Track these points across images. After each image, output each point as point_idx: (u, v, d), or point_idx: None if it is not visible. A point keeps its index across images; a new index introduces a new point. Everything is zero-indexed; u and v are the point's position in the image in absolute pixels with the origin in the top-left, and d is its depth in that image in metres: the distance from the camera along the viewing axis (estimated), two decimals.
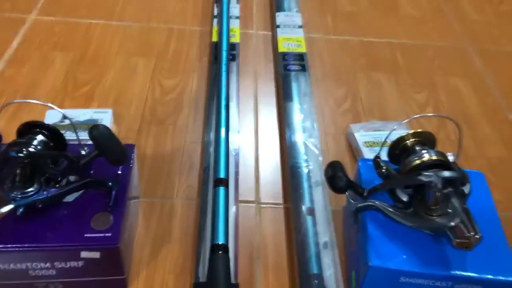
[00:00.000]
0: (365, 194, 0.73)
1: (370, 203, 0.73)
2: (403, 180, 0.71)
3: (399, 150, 0.75)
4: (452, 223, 0.65)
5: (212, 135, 0.97)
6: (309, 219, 0.82)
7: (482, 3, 1.58)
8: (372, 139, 1.00)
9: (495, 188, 0.98)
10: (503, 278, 0.67)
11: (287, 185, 0.92)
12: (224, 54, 1.13)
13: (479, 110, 1.17)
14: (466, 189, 0.70)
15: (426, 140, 0.75)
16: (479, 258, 0.68)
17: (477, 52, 1.36)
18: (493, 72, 1.30)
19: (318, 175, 0.90)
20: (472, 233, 0.64)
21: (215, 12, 1.33)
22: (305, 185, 0.88)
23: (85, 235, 0.66)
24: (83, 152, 0.71)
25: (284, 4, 1.39)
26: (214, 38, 1.22)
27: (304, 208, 0.84)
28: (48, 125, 0.70)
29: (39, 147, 0.67)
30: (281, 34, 1.28)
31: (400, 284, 0.69)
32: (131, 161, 0.78)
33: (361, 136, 1.01)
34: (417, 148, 0.73)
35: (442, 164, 0.70)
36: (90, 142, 0.70)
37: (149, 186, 0.91)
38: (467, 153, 1.06)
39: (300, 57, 1.20)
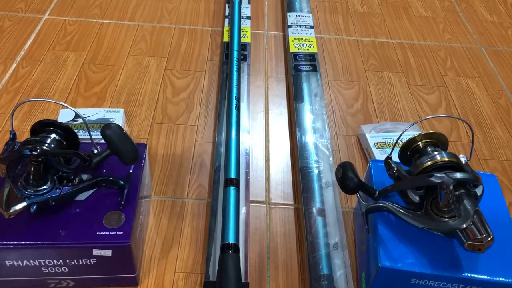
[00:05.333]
0: (376, 195, 0.73)
1: (381, 204, 0.73)
2: (415, 181, 0.70)
3: (410, 151, 0.75)
4: (464, 225, 0.64)
5: (223, 135, 0.97)
6: (319, 219, 0.82)
7: (495, 4, 1.57)
8: (383, 140, 1.00)
9: (508, 191, 0.97)
10: None
11: (298, 185, 0.92)
12: (235, 54, 1.13)
13: (491, 112, 1.16)
14: (478, 191, 0.69)
15: (438, 141, 0.75)
16: (491, 261, 0.68)
17: (489, 52, 1.35)
18: (506, 72, 1.29)
19: (329, 176, 0.90)
20: (485, 236, 0.63)
21: (227, 12, 1.33)
22: (316, 185, 0.88)
23: (97, 233, 0.67)
24: (95, 151, 0.71)
25: (296, 5, 1.39)
26: (226, 38, 1.23)
27: (314, 208, 0.84)
28: (62, 123, 0.71)
29: (52, 145, 0.68)
30: (292, 34, 1.28)
31: (410, 286, 0.69)
32: (143, 160, 0.79)
33: (372, 137, 1.01)
34: (429, 149, 0.73)
35: (454, 165, 0.70)
36: (102, 141, 0.71)
37: (160, 185, 0.92)
38: (479, 155, 1.05)
39: (311, 57, 1.20)
